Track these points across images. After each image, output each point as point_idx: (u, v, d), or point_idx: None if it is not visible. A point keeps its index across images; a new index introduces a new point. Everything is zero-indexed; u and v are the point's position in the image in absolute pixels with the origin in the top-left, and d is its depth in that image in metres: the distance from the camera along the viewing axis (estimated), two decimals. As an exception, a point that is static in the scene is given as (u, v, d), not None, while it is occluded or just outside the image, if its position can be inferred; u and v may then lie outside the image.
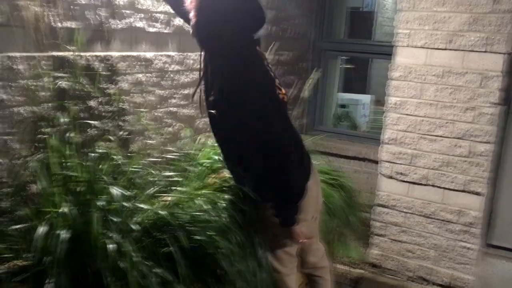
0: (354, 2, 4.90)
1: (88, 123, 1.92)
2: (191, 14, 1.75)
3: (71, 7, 1.90)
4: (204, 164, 2.12)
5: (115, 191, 1.47)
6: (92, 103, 1.99)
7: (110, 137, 1.94)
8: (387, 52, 3.26)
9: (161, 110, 2.44)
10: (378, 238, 3.27)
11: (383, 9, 6.68)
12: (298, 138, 1.91)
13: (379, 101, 5.45)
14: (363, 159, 3.52)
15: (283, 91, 1.83)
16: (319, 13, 3.81)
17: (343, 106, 4.61)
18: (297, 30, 3.64)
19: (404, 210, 3.15)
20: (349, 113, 4.64)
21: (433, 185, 3.04)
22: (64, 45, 1.85)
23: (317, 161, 2.83)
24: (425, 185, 3.06)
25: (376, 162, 3.30)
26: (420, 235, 3.13)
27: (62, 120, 1.70)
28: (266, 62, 1.82)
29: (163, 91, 2.43)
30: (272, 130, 1.73)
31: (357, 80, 6.14)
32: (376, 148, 3.29)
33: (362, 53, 3.96)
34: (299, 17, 3.62)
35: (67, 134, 1.68)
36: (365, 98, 5.08)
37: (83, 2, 1.95)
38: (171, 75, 2.46)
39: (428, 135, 3.01)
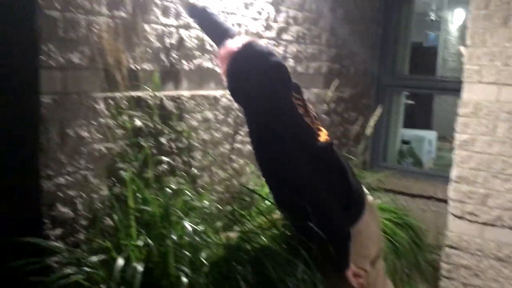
0: (417, 37, 4.84)
1: (160, 159, 2.01)
2: (223, 76, 1.88)
3: (147, 49, 2.03)
4: (266, 200, 2.14)
5: (188, 225, 1.51)
6: (163, 140, 2.08)
7: (182, 173, 2.01)
8: (451, 87, 3.18)
9: (227, 146, 2.51)
10: (448, 281, 3.09)
11: (447, 44, 6.56)
12: (344, 180, 1.88)
13: (444, 137, 5.27)
14: (429, 198, 3.38)
15: (323, 131, 1.87)
16: (382, 49, 3.81)
17: (406, 142, 4.49)
18: (359, 66, 3.64)
19: (476, 253, 2.98)
20: (413, 149, 4.50)
21: (508, 227, 2.86)
22: (141, 85, 1.97)
23: (381, 199, 2.77)
24: (499, 226, 2.89)
25: (443, 200, 3.17)
26: (494, 280, 2.93)
27: (137, 156, 1.79)
28: (302, 106, 1.86)
29: (228, 128, 2.50)
30: (306, 180, 1.76)
31: (421, 116, 5.99)
32: (442, 186, 3.16)
33: (426, 89, 3.88)
34: (361, 54, 3.63)
35: (142, 170, 1.76)
36: (430, 134, 4.94)
37: (158, 45, 2.08)
38: (236, 113, 2.54)
39: (501, 173, 2.86)
